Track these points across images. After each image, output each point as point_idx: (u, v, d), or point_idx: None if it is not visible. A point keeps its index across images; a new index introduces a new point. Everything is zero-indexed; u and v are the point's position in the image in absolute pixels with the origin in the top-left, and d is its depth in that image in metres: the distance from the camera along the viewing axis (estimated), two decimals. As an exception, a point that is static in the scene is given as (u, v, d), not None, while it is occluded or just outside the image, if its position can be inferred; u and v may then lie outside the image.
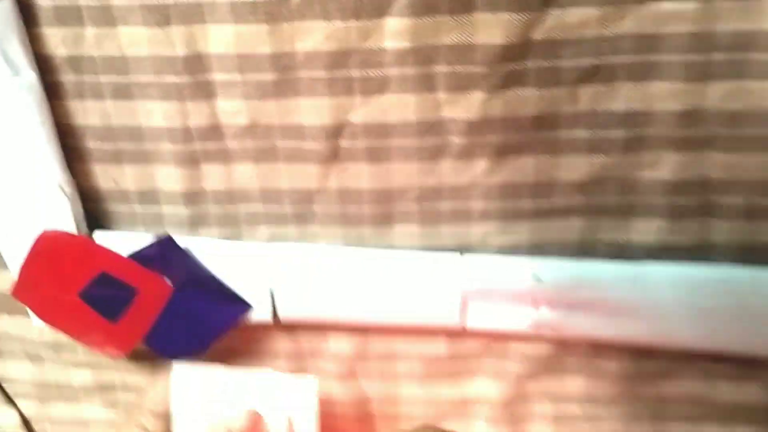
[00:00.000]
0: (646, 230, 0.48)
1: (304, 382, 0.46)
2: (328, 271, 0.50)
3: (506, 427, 0.57)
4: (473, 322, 0.50)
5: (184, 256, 0.49)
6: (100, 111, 0.47)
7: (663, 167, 0.46)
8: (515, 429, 0.57)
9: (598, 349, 0.52)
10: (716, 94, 0.43)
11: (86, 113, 0.48)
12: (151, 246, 0.49)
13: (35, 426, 0.62)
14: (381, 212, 0.49)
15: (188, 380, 0.46)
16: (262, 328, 0.54)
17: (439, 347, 0.53)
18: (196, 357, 0.50)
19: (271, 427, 0.46)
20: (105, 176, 0.50)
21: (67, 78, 0.47)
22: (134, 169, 0.49)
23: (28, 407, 0.62)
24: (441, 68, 0.43)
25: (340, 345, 0.54)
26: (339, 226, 0.50)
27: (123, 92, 0.47)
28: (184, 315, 0.50)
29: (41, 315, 0.50)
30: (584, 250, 0.49)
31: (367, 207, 0.49)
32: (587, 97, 0.44)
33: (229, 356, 0.54)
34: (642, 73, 0.43)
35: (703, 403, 0.54)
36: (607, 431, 0.56)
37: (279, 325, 0.53)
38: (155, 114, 0.47)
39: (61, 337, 0.54)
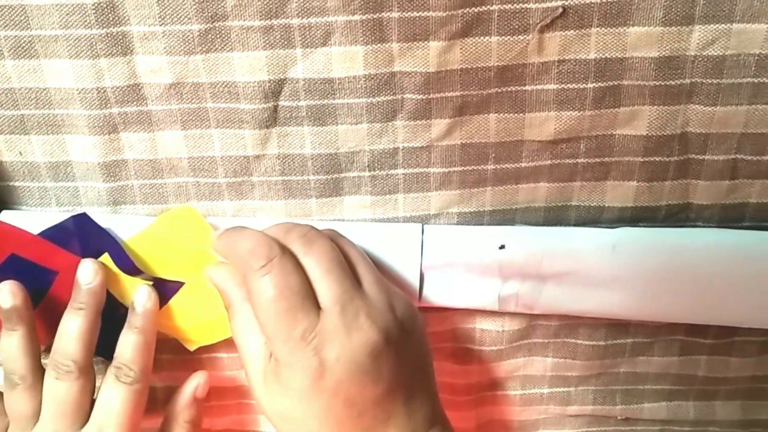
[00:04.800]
0: (621, 193, 0.44)
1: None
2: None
3: (471, 410, 0.53)
4: (434, 299, 0.46)
5: (102, 234, 0.44)
6: (-2, 72, 0.41)
7: (639, 123, 0.42)
8: (481, 412, 0.53)
9: (569, 325, 0.49)
10: (698, 40, 0.39)
11: (-19, 75, 0.41)
12: (64, 224, 0.43)
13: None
14: (328, 181, 0.44)
15: None
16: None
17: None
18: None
19: None
20: (8, 148, 0.44)
21: (-46, 33, 0.40)
22: (43, 139, 0.43)
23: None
24: (392, 14, 0.38)
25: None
26: (281, 199, 0.45)
27: (25, 49, 0.40)
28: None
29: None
30: (554, 216, 0.46)
31: (313, 176, 0.44)
32: (555, 45, 0.39)
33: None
34: (616, 15, 0.38)
35: (679, 380, 0.51)
36: (578, 412, 0.53)
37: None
38: (64, 74, 0.41)
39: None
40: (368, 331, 0.37)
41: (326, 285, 0.37)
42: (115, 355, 0.44)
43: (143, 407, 0.44)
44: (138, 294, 0.44)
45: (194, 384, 0.47)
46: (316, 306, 0.37)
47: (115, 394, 0.43)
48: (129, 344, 0.43)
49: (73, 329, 0.42)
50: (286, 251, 0.38)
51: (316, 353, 0.36)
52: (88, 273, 0.43)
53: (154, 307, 0.44)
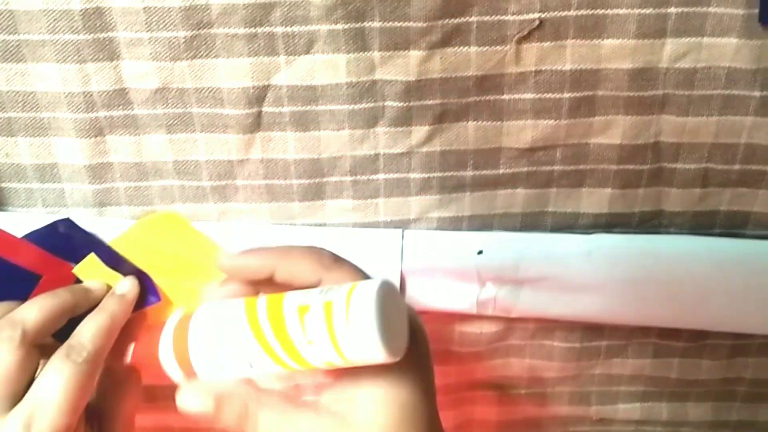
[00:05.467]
0: (596, 200, 0.45)
1: None
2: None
3: (450, 410, 0.54)
4: (414, 302, 0.47)
5: (86, 237, 0.44)
6: (-15, 75, 0.42)
7: (614, 132, 0.43)
8: (459, 413, 0.54)
9: (546, 328, 0.50)
10: (670, 53, 0.40)
11: (-31, 78, 0.42)
12: (48, 228, 0.44)
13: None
14: (311, 185, 0.45)
15: None
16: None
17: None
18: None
19: None
20: (-5, 149, 0.44)
21: (-57, 37, 0.41)
22: (29, 141, 0.44)
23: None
24: (374, 23, 0.39)
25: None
26: (265, 202, 0.45)
27: (12, 53, 0.41)
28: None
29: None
30: (531, 221, 0.47)
31: (296, 180, 0.45)
32: (532, 56, 0.40)
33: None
34: (591, 28, 0.40)
35: (653, 381, 0.52)
36: (554, 413, 0.54)
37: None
38: (51, 78, 0.41)
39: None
40: (419, 331, 0.38)
41: None
42: (73, 334, 0.40)
43: (88, 393, 0.39)
44: (121, 282, 0.44)
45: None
46: None
47: (58, 372, 0.37)
48: (92, 323, 0.40)
49: (39, 299, 0.40)
50: None
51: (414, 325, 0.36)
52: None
53: (131, 297, 0.43)
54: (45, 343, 0.40)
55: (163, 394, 0.52)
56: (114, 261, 0.44)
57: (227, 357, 0.35)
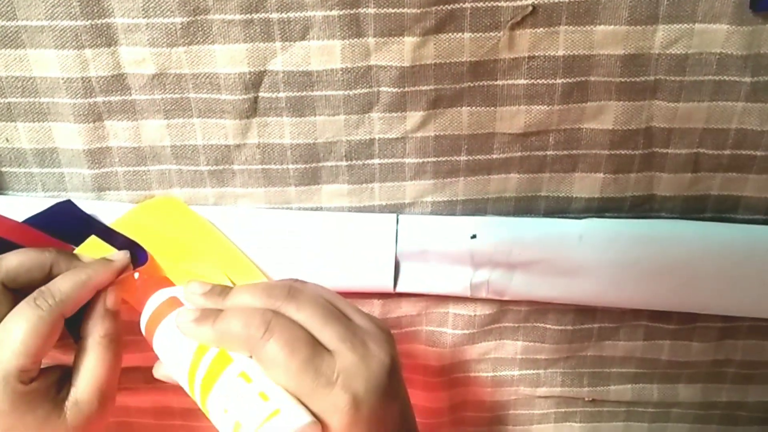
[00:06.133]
0: (588, 184, 0.46)
1: None
2: (250, 235, 0.46)
3: (444, 391, 0.55)
4: (408, 286, 0.48)
5: (87, 220, 0.45)
6: (-16, 61, 0.42)
7: (606, 117, 0.43)
8: (453, 393, 0.55)
9: (539, 310, 0.50)
10: (662, 39, 0.40)
11: (-31, 63, 0.42)
12: (48, 211, 0.44)
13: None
14: (307, 170, 0.45)
15: None
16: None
17: (373, 312, 0.50)
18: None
19: None
20: (-5, 134, 0.45)
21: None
22: (29, 126, 0.44)
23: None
24: (369, 10, 0.40)
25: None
26: (261, 186, 0.46)
27: (11, 39, 0.41)
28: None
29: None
30: (524, 206, 0.47)
31: (292, 164, 0.45)
32: (525, 42, 0.41)
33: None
34: (584, 14, 0.40)
35: (644, 363, 0.53)
36: (547, 393, 0.55)
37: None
38: (50, 63, 0.42)
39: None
40: (379, 354, 0.37)
41: (328, 329, 0.37)
42: (49, 282, 0.40)
43: (49, 340, 0.39)
44: (116, 253, 0.44)
45: (102, 297, 0.43)
46: (326, 350, 0.37)
47: (21, 315, 0.38)
48: (69, 276, 0.41)
49: (69, 275, 0.41)
50: (277, 312, 0.38)
51: (347, 390, 0.35)
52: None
53: (117, 266, 0.43)
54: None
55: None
56: (112, 239, 0.45)
57: (172, 364, 0.40)
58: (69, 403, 0.40)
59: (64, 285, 0.40)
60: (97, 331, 0.42)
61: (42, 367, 0.40)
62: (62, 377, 0.41)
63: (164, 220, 0.46)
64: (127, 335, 0.51)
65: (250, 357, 0.37)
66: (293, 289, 0.39)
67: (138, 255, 0.45)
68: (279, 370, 0.36)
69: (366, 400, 0.36)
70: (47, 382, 0.40)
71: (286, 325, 0.37)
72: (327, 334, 0.37)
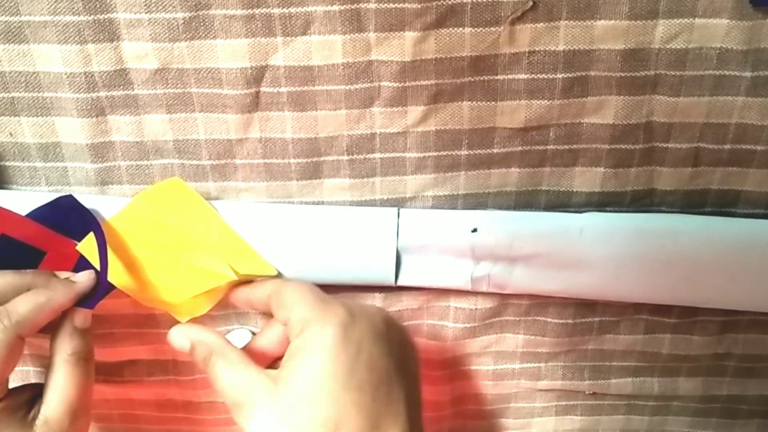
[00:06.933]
0: (589, 179, 0.46)
1: None
2: (252, 229, 0.46)
3: (446, 385, 0.55)
4: (409, 280, 0.48)
5: (86, 216, 0.45)
6: (-12, 56, 0.42)
7: (606, 112, 0.43)
8: (455, 387, 0.55)
9: (540, 304, 0.51)
10: (662, 33, 0.40)
11: (-28, 58, 0.43)
12: (50, 205, 0.45)
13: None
14: (308, 164, 0.46)
15: None
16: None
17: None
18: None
19: None
20: (-1, 129, 0.45)
21: (-53, 18, 0.41)
22: (32, 121, 0.45)
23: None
24: (369, 5, 0.40)
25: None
26: (263, 181, 0.46)
27: (14, 34, 0.41)
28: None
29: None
30: (525, 200, 0.47)
31: (293, 159, 0.45)
32: (526, 37, 0.41)
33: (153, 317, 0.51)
34: (584, 9, 0.40)
35: (644, 357, 0.53)
36: (548, 387, 0.55)
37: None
38: (53, 58, 0.42)
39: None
40: (375, 307, 0.42)
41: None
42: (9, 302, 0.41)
43: (9, 362, 0.40)
44: (81, 273, 0.44)
45: (70, 315, 0.43)
46: None
47: None
48: (30, 297, 0.41)
49: (32, 295, 0.41)
50: None
51: (345, 306, 0.39)
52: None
53: (80, 288, 0.43)
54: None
55: (164, 369, 0.54)
56: (101, 246, 0.45)
57: None
58: (39, 422, 0.40)
59: (22, 306, 0.40)
60: (65, 350, 0.42)
61: (13, 386, 0.41)
62: (34, 396, 0.42)
63: (167, 208, 0.46)
64: (130, 328, 0.52)
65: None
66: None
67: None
68: (293, 291, 0.41)
69: (360, 322, 0.39)
70: (16, 401, 0.41)
71: (295, 282, 0.43)
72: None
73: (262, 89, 0.43)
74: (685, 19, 0.40)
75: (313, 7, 0.40)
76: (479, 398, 0.56)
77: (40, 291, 0.42)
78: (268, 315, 0.46)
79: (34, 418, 0.41)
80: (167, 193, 0.46)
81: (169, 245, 0.46)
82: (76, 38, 0.41)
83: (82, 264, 0.45)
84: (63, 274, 0.44)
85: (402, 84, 0.42)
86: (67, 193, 0.46)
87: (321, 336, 0.38)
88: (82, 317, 0.43)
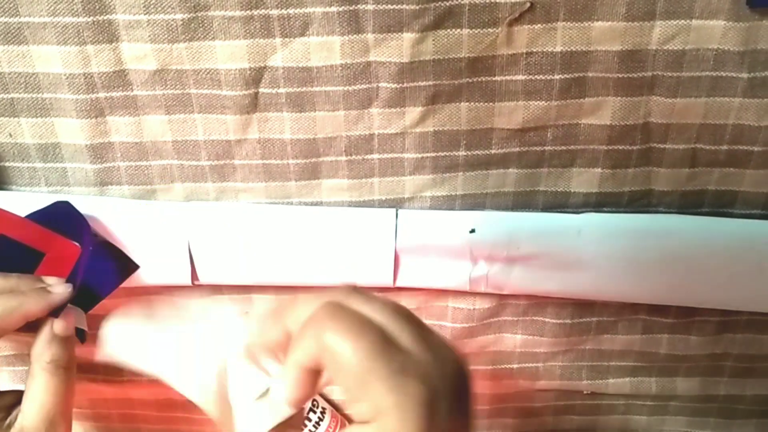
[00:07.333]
0: (586, 179, 0.46)
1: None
2: (251, 230, 0.47)
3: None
4: (408, 280, 0.48)
5: (80, 221, 0.45)
6: (-12, 57, 0.42)
7: (604, 113, 0.44)
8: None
9: (538, 304, 0.51)
10: (659, 35, 0.41)
11: (-28, 59, 0.43)
12: (48, 209, 0.45)
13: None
14: (307, 165, 0.46)
15: None
16: (185, 292, 0.50)
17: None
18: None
19: None
20: (-1, 130, 0.45)
21: (-53, 19, 0.41)
22: (32, 122, 0.45)
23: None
24: (368, 6, 0.40)
25: (266, 307, 0.51)
26: (262, 181, 0.46)
27: (14, 35, 0.42)
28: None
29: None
30: (523, 201, 0.47)
31: (292, 160, 0.45)
32: (523, 38, 0.41)
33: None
34: (581, 10, 0.40)
35: (642, 357, 0.53)
36: (546, 386, 0.56)
37: (201, 287, 0.50)
38: (52, 59, 0.42)
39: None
40: (455, 358, 0.33)
41: (400, 323, 0.32)
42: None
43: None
44: (57, 284, 0.43)
45: (50, 322, 0.43)
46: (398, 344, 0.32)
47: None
48: (1, 301, 0.40)
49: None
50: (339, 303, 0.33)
51: (424, 382, 0.30)
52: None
53: (57, 300, 0.42)
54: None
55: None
56: (102, 249, 0.45)
57: None
58: (15, 430, 0.40)
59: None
60: (43, 357, 0.42)
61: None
62: (15, 403, 0.42)
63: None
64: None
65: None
66: (356, 287, 0.35)
67: (128, 265, 0.45)
68: (341, 357, 0.30)
69: (444, 399, 0.30)
70: None
71: (349, 312, 0.32)
72: (398, 327, 0.32)
73: (261, 90, 0.43)
74: (682, 21, 0.40)
75: (312, 8, 0.40)
76: (478, 398, 0.56)
77: (12, 296, 0.41)
78: None
79: (11, 425, 0.40)
80: None
81: None
82: (75, 39, 0.41)
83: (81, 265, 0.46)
84: (50, 280, 0.44)
85: (400, 85, 0.42)
86: (68, 194, 0.46)
87: (403, 426, 0.29)
88: (61, 325, 0.43)
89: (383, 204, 0.47)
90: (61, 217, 0.45)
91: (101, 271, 0.46)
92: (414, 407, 0.29)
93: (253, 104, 0.43)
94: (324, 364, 0.31)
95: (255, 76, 0.42)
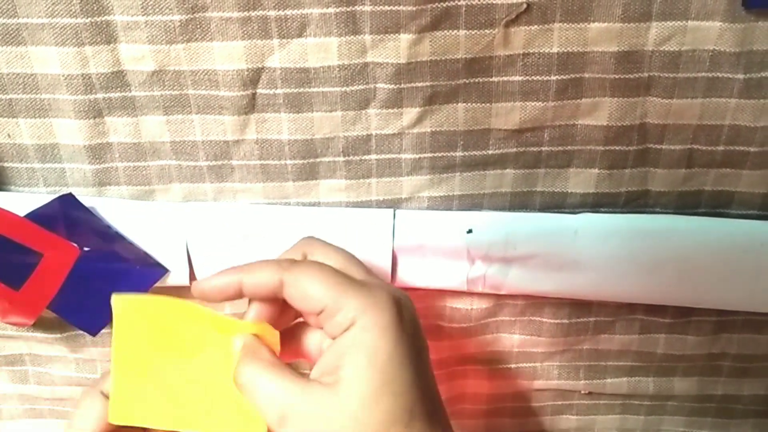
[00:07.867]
0: (583, 180, 0.46)
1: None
2: (249, 231, 0.47)
3: (442, 384, 0.55)
4: (405, 280, 0.48)
5: (87, 215, 0.45)
6: (-14, 58, 0.43)
7: (600, 113, 0.44)
8: (451, 386, 0.56)
9: (535, 304, 0.51)
10: (656, 36, 0.41)
11: (-30, 61, 0.43)
12: (50, 205, 0.45)
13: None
14: (304, 165, 0.46)
15: None
16: (183, 292, 0.50)
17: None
18: (106, 322, 0.47)
19: None
20: (-3, 130, 0.45)
21: (-55, 21, 0.41)
22: (30, 122, 0.45)
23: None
24: (365, 7, 0.40)
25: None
26: (260, 182, 0.46)
27: (12, 36, 0.42)
28: (92, 279, 0.46)
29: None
30: (520, 201, 0.48)
31: (290, 160, 0.46)
32: (520, 39, 0.41)
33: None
34: (578, 12, 0.40)
35: (640, 356, 0.54)
36: (543, 386, 0.56)
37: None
38: (50, 60, 0.42)
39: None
40: (405, 295, 0.38)
41: (354, 267, 0.39)
42: None
43: None
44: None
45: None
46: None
47: None
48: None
49: None
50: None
51: (381, 285, 0.37)
52: None
53: None
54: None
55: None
56: (113, 241, 0.45)
57: None
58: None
59: None
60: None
61: None
62: None
63: (145, 325, 0.38)
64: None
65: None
66: (312, 237, 0.41)
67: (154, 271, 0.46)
68: (311, 284, 0.36)
69: (405, 307, 0.37)
70: None
71: (312, 262, 0.38)
72: (354, 270, 0.38)
73: (259, 91, 0.43)
74: (678, 22, 0.40)
75: (309, 9, 0.40)
76: (475, 398, 0.56)
77: None
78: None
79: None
80: (132, 313, 0.38)
81: (168, 357, 0.38)
82: (73, 40, 0.42)
83: (80, 265, 0.46)
84: None
85: (397, 86, 0.43)
86: (67, 193, 0.46)
87: (380, 325, 0.34)
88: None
89: (381, 204, 0.47)
90: (64, 214, 0.45)
91: (124, 274, 0.47)
92: (386, 304, 0.35)
93: (250, 105, 0.44)
94: (291, 296, 0.37)
95: (252, 77, 0.43)
